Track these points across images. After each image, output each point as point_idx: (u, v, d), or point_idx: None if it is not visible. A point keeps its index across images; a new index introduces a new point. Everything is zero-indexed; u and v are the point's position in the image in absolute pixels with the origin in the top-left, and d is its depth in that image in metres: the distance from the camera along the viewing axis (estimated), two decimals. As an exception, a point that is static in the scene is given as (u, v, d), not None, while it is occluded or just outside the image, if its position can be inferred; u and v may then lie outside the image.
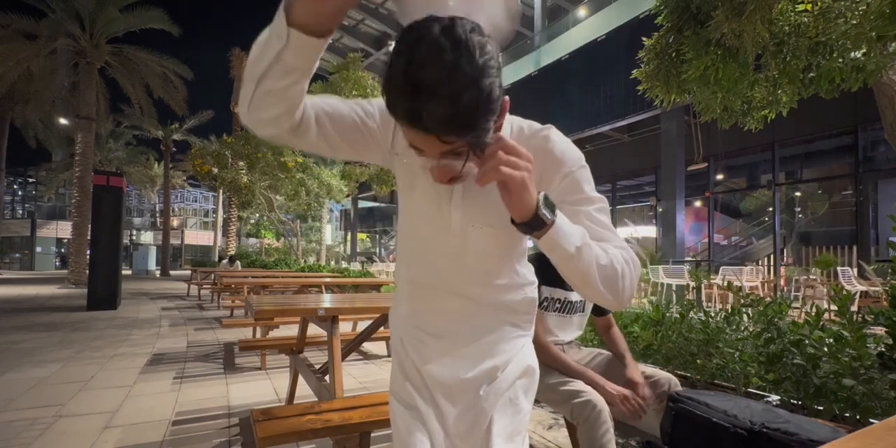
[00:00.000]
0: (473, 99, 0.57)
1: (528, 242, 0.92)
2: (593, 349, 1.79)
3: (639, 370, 1.56)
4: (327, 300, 2.22)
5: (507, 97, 0.65)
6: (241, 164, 13.06)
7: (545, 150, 0.78)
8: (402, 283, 0.94)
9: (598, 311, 1.78)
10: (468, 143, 0.61)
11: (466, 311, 0.88)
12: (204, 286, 9.32)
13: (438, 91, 0.55)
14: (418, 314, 0.91)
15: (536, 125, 0.83)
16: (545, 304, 1.67)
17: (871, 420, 1.48)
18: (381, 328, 2.47)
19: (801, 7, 3.21)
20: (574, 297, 1.68)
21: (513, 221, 0.67)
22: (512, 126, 0.80)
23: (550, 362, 1.55)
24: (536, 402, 2.02)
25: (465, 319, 0.88)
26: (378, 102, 0.76)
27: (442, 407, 0.85)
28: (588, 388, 1.46)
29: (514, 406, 0.87)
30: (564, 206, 0.74)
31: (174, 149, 23.47)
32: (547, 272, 1.56)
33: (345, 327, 4.40)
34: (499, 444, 0.83)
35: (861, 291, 5.87)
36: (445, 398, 0.85)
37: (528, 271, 0.94)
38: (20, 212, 35.96)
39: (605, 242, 0.72)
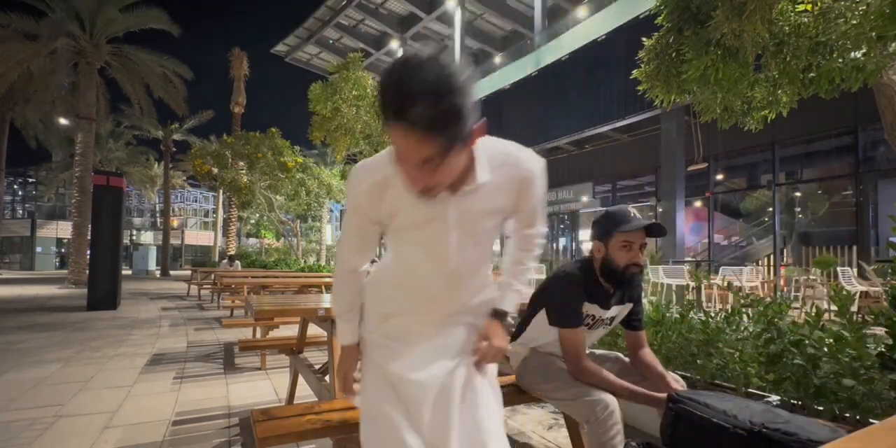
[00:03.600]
0: (449, 106, 0.72)
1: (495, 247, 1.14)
2: (603, 352, 1.76)
3: (678, 381, 1.52)
4: (327, 300, 2.22)
5: (484, 119, 0.80)
6: (241, 164, 13.06)
7: (520, 168, 0.96)
8: (372, 315, 1.11)
9: (629, 324, 1.65)
10: (442, 151, 0.75)
11: (440, 323, 1.07)
12: (204, 286, 9.31)
13: (422, 96, 0.71)
14: (388, 330, 1.08)
15: (506, 144, 0.97)
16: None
17: (871, 420, 1.48)
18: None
19: (801, 7, 3.21)
20: (606, 314, 1.60)
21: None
22: (483, 144, 0.90)
23: (596, 383, 1.47)
24: (538, 402, 2.01)
25: (436, 330, 1.06)
26: (369, 201, 0.96)
27: (412, 405, 0.98)
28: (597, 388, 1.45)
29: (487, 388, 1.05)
30: (525, 205, 1.01)
31: (174, 149, 23.48)
32: (590, 287, 1.53)
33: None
34: (480, 427, 0.97)
35: (861, 291, 5.87)
36: (414, 395, 0.98)
37: (490, 273, 1.14)
38: (20, 212, 35.96)
39: (531, 232, 1.09)
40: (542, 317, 1.62)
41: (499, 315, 1.08)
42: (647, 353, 1.60)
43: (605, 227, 1.53)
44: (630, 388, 1.45)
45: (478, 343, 1.03)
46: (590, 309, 1.57)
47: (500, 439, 0.99)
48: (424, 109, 0.70)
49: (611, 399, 1.40)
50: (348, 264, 1.09)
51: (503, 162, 0.93)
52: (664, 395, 1.36)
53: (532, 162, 0.97)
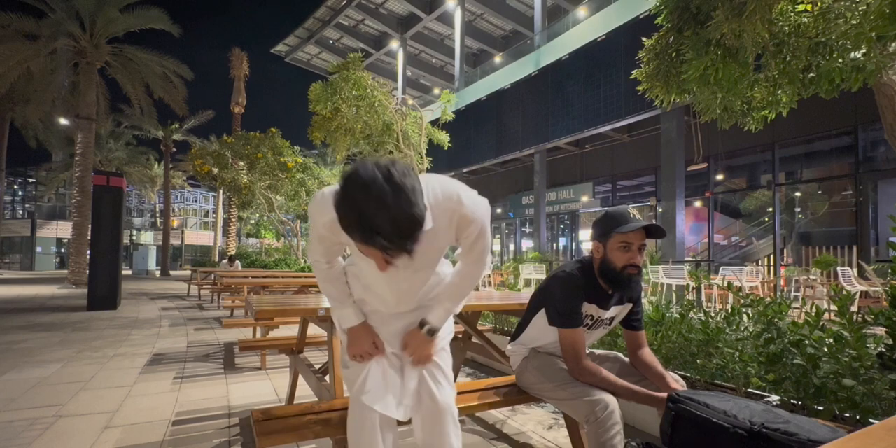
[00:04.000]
0: (409, 227, 0.85)
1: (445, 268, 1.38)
2: (603, 352, 1.76)
3: (678, 381, 1.52)
4: (327, 300, 2.22)
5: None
6: (241, 164, 13.05)
7: (460, 212, 1.10)
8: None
9: (629, 324, 1.65)
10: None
11: (404, 313, 1.33)
12: (204, 286, 9.31)
13: (385, 228, 0.84)
14: (365, 311, 1.34)
15: (449, 188, 1.10)
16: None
17: (871, 420, 1.48)
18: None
19: (801, 7, 3.21)
20: (606, 315, 1.60)
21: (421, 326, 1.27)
22: (428, 190, 1.05)
23: (596, 383, 1.48)
24: (538, 401, 2.01)
25: (402, 317, 1.32)
26: (327, 230, 1.11)
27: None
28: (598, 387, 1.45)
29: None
30: (465, 241, 1.18)
31: (174, 149, 23.47)
32: (588, 287, 1.54)
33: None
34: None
35: (861, 291, 5.87)
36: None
37: (437, 280, 1.35)
38: (20, 212, 35.94)
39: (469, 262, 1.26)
40: (541, 317, 1.62)
41: (422, 325, 1.26)
42: (647, 353, 1.60)
43: (604, 227, 1.53)
44: (630, 388, 1.45)
45: (405, 350, 1.27)
46: (589, 309, 1.56)
47: (447, 404, 1.25)
48: (391, 241, 0.86)
49: (611, 399, 1.40)
50: (321, 261, 1.27)
51: (444, 206, 1.07)
52: (664, 394, 1.36)
53: (472, 207, 1.11)
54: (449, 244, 1.19)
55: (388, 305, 1.30)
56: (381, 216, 0.83)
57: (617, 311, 1.62)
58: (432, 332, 1.27)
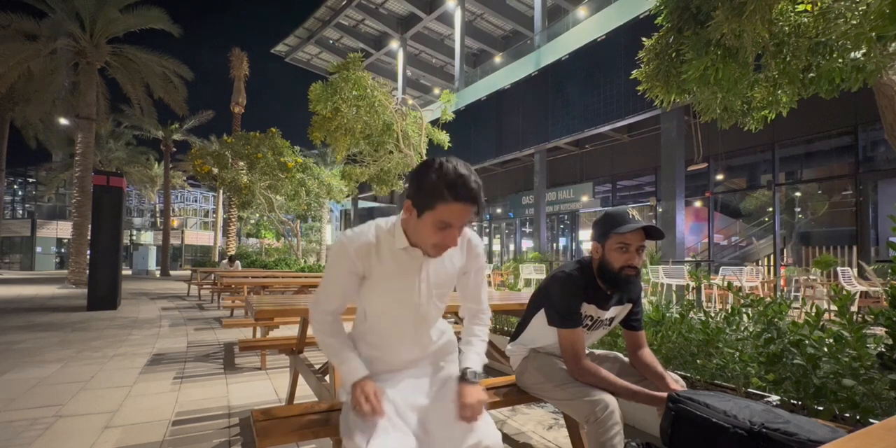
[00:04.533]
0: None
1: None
2: (603, 352, 1.76)
3: (678, 381, 1.53)
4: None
5: None
6: (241, 164, 13.05)
7: (467, 236, 1.27)
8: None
9: (629, 324, 1.65)
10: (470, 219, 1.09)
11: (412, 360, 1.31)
12: (204, 286, 9.32)
13: (478, 190, 1.06)
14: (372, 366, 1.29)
15: (467, 228, 1.24)
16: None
17: (871, 420, 1.48)
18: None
19: (801, 7, 3.21)
20: (605, 315, 1.60)
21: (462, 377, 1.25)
22: None
23: (595, 383, 1.48)
24: (538, 401, 2.01)
25: (412, 366, 1.31)
26: (357, 256, 1.17)
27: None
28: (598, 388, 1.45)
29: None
30: (471, 273, 1.32)
31: (174, 149, 23.46)
32: (588, 288, 1.54)
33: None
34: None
35: (861, 291, 5.87)
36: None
37: (446, 323, 1.41)
38: (20, 212, 35.94)
39: (478, 306, 1.39)
40: (541, 317, 1.62)
41: (467, 374, 1.24)
42: (647, 354, 1.60)
43: (603, 228, 1.54)
44: (630, 388, 1.45)
45: (459, 408, 1.18)
46: (588, 310, 1.56)
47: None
48: (481, 197, 1.07)
49: (611, 399, 1.40)
50: (328, 315, 1.25)
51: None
52: (664, 394, 1.36)
53: (475, 237, 1.29)
54: (458, 270, 1.28)
55: (402, 349, 1.28)
56: (475, 181, 1.06)
57: (617, 312, 1.62)
58: (476, 376, 1.24)
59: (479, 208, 1.06)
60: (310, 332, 2.54)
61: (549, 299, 1.58)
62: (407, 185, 1.12)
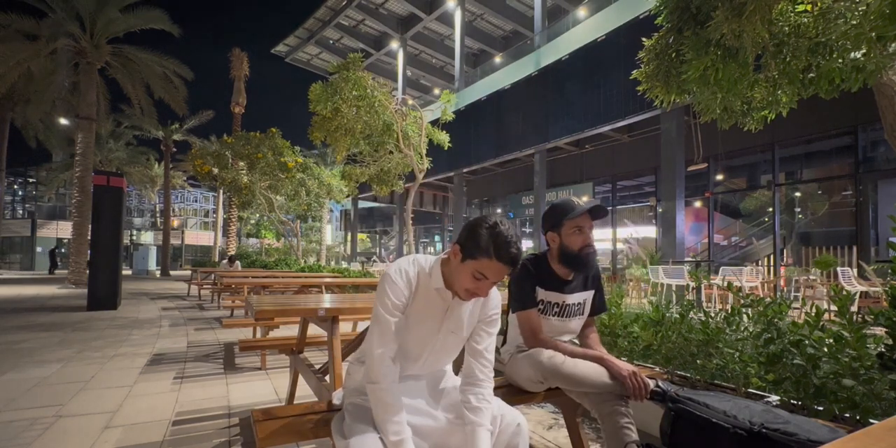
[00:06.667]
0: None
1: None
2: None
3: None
4: (328, 300, 2.22)
5: None
6: (242, 164, 13.05)
7: (491, 298, 1.34)
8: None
9: (591, 310, 1.80)
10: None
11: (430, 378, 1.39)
12: (204, 286, 9.32)
13: (518, 255, 1.16)
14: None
15: None
16: (542, 307, 1.68)
17: (871, 420, 1.48)
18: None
19: (801, 7, 3.20)
20: (571, 300, 1.70)
21: None
22: None
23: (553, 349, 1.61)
24: (538, 401, 2.01)
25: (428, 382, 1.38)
26: (403, 290, 1.23)
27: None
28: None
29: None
30: (481, 326, 1.33)
31: (174, 149, 23.45)
32: (543, 276, 1.62)
33: (345, 327, 4.40)
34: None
35: (861, 292, 5.87)
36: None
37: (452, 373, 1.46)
38: (20, 212, 35.95)
39: (483, 360, 1.32)
40: (513, 318, 1.74)
41: None
42: (592, 336, 1.75)
43: (555, 218, 1.67)
44: (574, 350, 1.60)
45: None
46: (549, 296, 1.67)
47: None
48: (519, 259, 1.18)
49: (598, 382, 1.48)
50: (389, 352, 1.19)
51: None
52: (601, 353, 1.56)
53: (496, 290, 1.35)
54: (473, 323, 1.32)
55: (409, 366, 1.32)
56: (516, 245, 1.17)
57: (584, 297, 1.74)
58: None
59: (514, 270, 1.17)
60: (310, 331, 2.54)
61: (509, 292, 1.72)
62: (461, 231, 1.21)
